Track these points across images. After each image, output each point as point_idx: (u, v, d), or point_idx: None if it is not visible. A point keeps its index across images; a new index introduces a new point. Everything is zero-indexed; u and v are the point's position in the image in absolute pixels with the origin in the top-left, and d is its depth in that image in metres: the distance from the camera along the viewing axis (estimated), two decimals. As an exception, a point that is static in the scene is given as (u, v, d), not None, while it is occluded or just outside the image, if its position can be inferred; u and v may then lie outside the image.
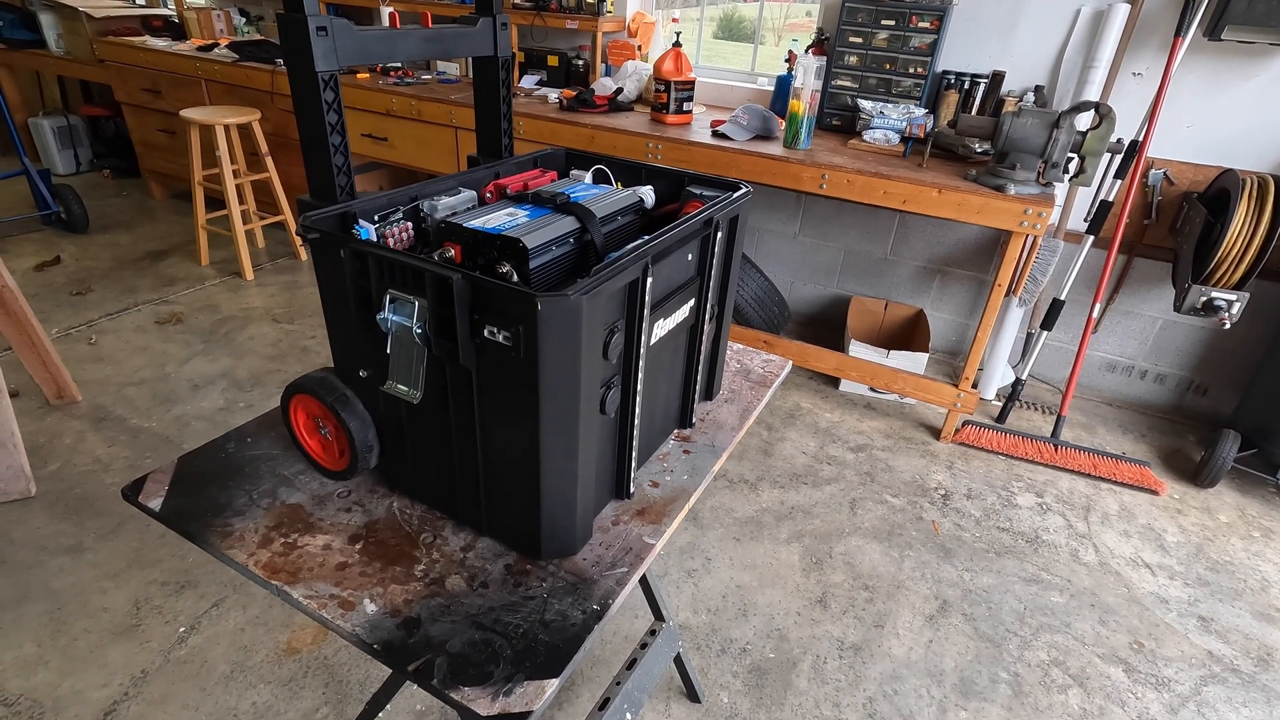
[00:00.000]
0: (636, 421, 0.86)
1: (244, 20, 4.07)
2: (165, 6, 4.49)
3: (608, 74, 3.12)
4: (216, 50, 3.57)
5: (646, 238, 0.79)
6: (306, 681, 1.53)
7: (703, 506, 2.12)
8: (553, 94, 2.97)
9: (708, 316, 0.99)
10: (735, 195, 0.98)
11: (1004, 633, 1.78)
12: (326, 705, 1.49)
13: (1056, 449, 2.44)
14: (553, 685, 0.68)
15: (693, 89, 2.65)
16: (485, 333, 0.69)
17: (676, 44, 2.60)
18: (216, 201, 3.32)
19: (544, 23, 3.03)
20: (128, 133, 4.08)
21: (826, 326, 3.24)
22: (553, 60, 3.21)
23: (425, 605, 0.75)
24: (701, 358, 1.02)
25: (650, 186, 1.08)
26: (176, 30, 3.99)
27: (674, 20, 3.12)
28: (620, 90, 2.84)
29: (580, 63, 3.19)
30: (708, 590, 1.84)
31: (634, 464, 0.90)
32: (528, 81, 3.23)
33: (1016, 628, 1.80)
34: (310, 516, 0.86)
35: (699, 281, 0.94)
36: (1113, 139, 2.03)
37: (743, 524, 2.07)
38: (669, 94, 2.61)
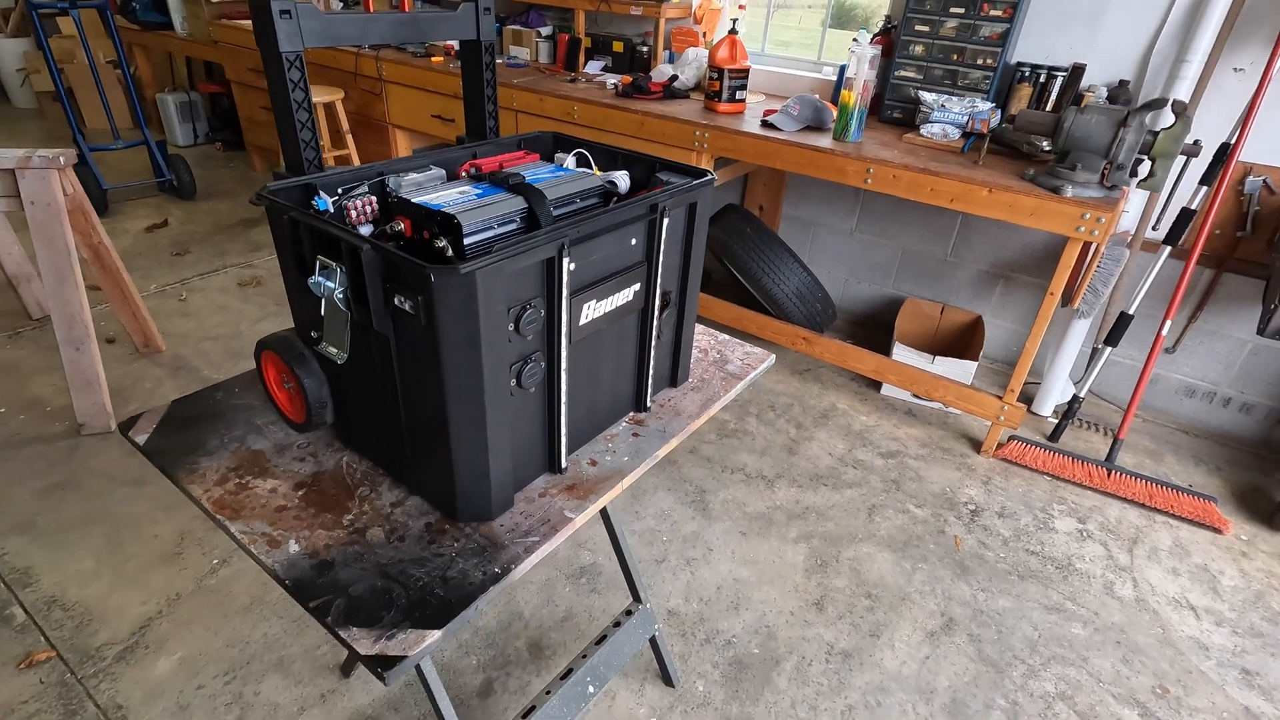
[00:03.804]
0: (564, 399, 0.89)
1: (341, 5, 4.33)
2: (277, -8, 4.83)
3: (670, 61, 3.12)
4: (312, 33, 3.82)
5: (573, 219, 0.81)
6: (312, 621, 1.66)
7: (714, 499, 2.12)
8: (611, 80, 3.00)
9: (659, 302, 0.99)
10: (695, 182, 0.98)
11: (1010, 659, 1.69)
12: (326, 643, 1.61)
13: (1109, 474, 2.26)
14: (433, 636, 0.72)
15: (746, 77, 2.61)
16: (395, 301, 0.73)
17: (733, 31, 2.57)
18: (302, 175, 3.56)
19: (610, 9, 3.05)
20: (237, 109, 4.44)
21: (879, 328, 3.13)
22: (618, 46, 3.23)
23: (342, 551, 0.81)
24: (655, 343, 1.03)
25: (626, 172, 1.09)
26: (282, 14, 4.29)
27: (741, 7, 3.08)
28: (675, 77, 2.83)
29: (644, 49, 3.20)
30: (703, 580, 1.84)
31: (564, 441, 0.92)
32: (592, 67, 3.27)
33: (1026, 655, 1.70)
34: (267, 462, 0.94)
35: (647, 266, 0.95)
36: (1189, 140, 1.85)
37: (752, 519, 2.05)
38: (722, 82, 2.59)
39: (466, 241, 0.83)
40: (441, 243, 0.83)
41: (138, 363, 2.56)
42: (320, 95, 3.27)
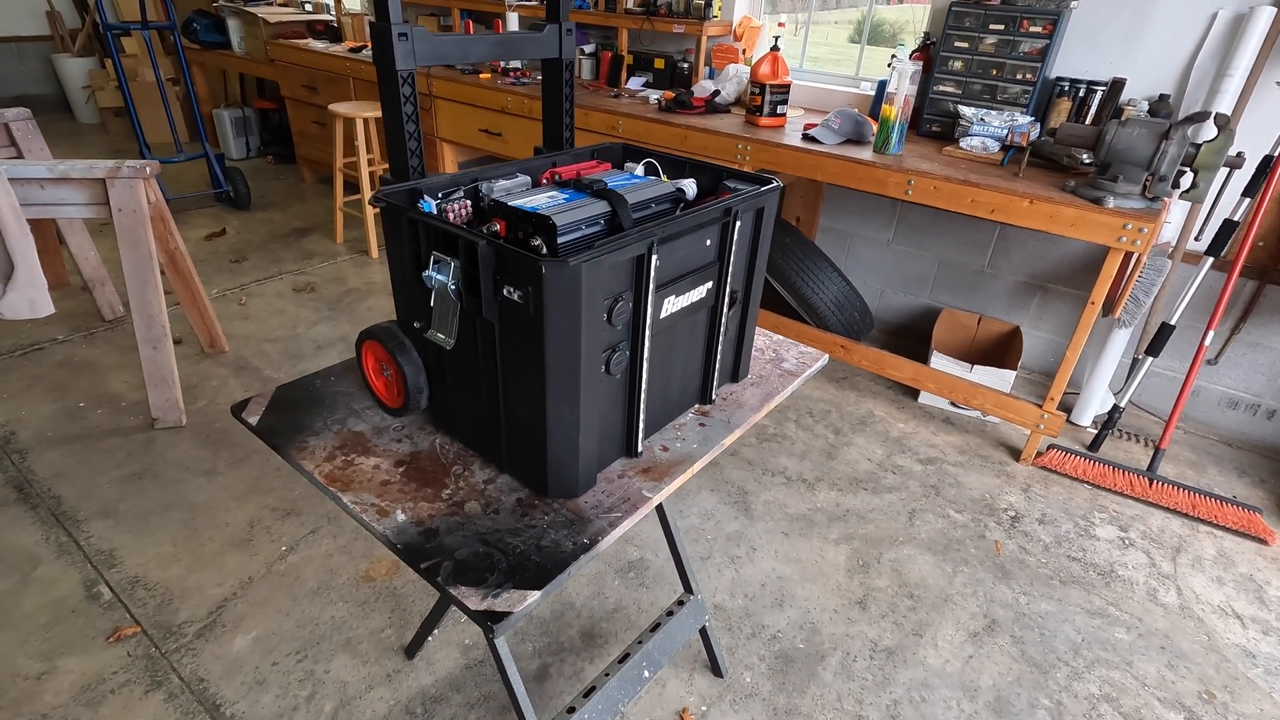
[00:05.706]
0: (644, 386, 0.96)
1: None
2: (328, 12, 5.04)
3: (711, 76, 3.21)
4: (364, 51, 3.99)
5: (659, 221, 0.89)
6: (377, 605, 1.74)
7: (756, 500, 2.17)
8: (654, 95, 3.10)
9: (727, 300, 1.06)
10: (762, 189, 1.05)
11: (1054, 660, 1.71)
12: (390, 627, 1.69)
13: (1151, 483, 2.27)
14: (534, 596, 0.79)
15: (788, 92, 2.69)
16: (505, 291, 0.81)
17: (774, 48, 2.65)
18: (354, 186, 3.71)
19: (652, 27, 3.16)
20: (288, 124, 4.63)
21: (915, 338, 3.16)
22: (659, 63, 3.33)
23: (445, 521, 0.89)
24: (722, 339, 1.10)
25: (693, 180, 1.17)
26: (335, 34, 4.48)
27: (780, 25, 3.16)
28: (717, 93, 2.92)
29: (685, 65, 3.30)
30: (748, 577, 1.89)
31: (641, 426, 0.99)
32: (634, 83, 3.37)
33: (1069, 658, 1.72)
34: (368, 442, 1.03)
35: (718, 265, 1.02)
36: (1232, 152, 1.88)
37: (793, 520, 2.10)
38: (763, 97, 2.67)
39: (559, 241, 0.91)
40: (536, 241, 0.91)
41: (204, 362, 2.69)
42: (373, 111, 3.41)
